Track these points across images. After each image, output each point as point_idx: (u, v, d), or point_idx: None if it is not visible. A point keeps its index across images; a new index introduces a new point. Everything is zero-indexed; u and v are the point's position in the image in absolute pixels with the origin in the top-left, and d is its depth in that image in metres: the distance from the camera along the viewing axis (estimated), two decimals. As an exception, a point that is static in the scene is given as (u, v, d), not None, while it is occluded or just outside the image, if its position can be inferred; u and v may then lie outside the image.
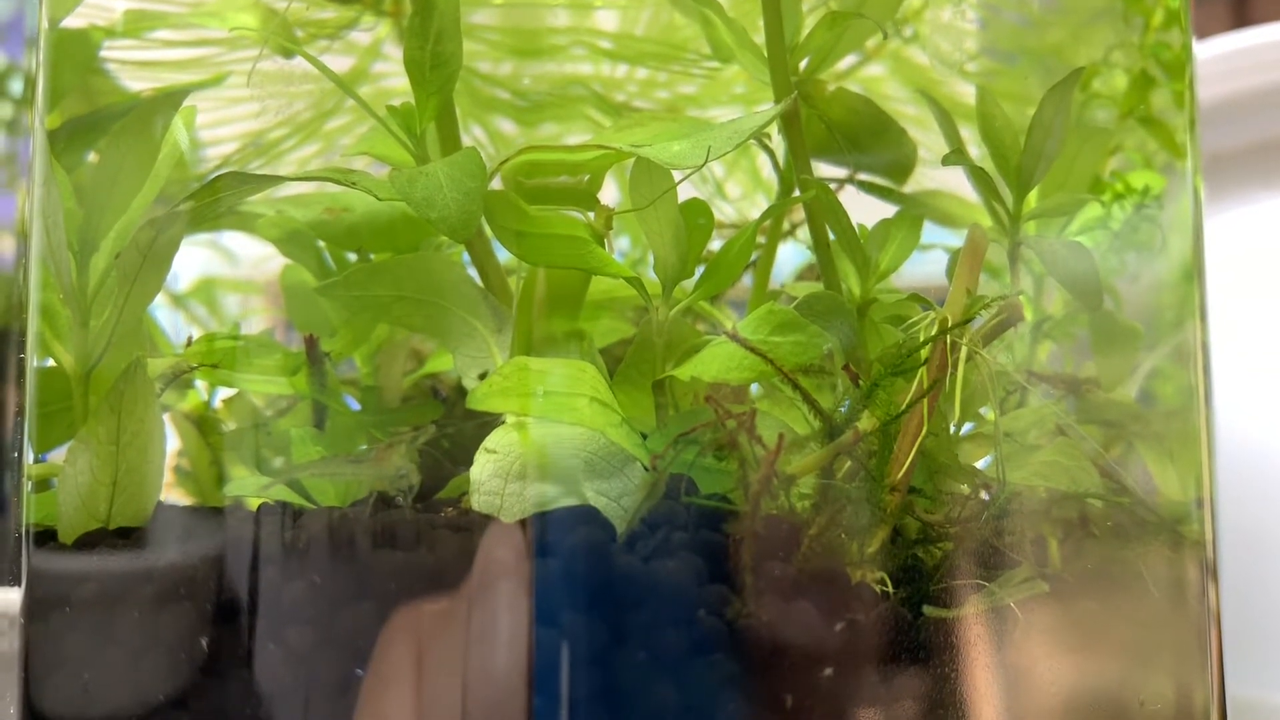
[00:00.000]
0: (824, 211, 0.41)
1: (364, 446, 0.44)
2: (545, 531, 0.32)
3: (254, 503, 0.40)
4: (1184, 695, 0.43)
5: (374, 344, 0.45)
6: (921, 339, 0.38)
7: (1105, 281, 0.44)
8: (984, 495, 0.40)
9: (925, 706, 0.35)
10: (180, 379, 0.42)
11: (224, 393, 0.45)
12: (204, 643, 0.33)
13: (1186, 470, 0.47)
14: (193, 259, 0.64)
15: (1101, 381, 0.43)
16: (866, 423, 0.37)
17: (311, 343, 0.42)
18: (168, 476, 0.46)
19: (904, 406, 0.37)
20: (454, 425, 0.50)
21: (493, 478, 0.36)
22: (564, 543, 0.32)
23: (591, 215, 0.39)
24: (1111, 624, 0.40)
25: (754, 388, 0.44)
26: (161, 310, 0.63)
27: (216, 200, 0.40)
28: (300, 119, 0.60)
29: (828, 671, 0.34)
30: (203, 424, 0.44)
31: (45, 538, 0.36)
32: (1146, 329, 0.45)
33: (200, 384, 0.45)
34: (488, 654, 0.31)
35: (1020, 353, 0.47)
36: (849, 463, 0.37)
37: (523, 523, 0.34)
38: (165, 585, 0.35)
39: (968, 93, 0.62)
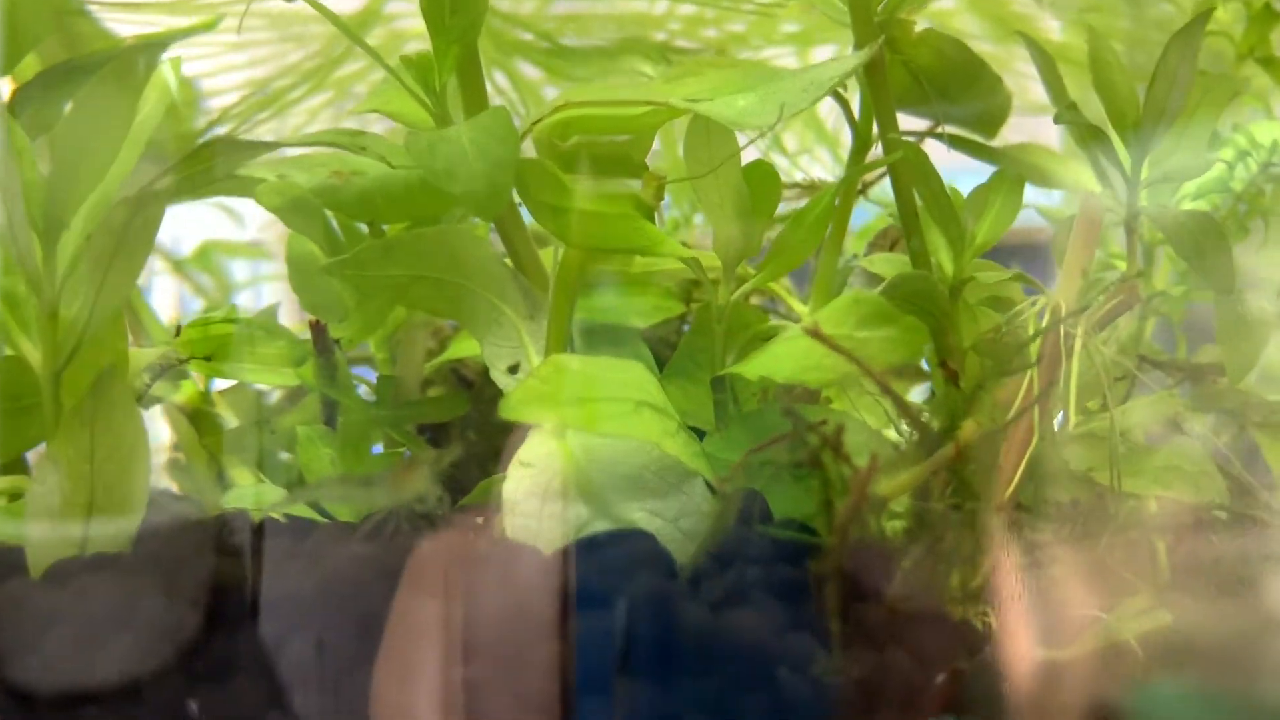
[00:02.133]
0: (912, 174, 0.35)
1: (379, 448, 0.39)
2: (591, 574, 0.27)
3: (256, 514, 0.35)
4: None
5: (390, 327, 0.40)
6: (1031, 330, 0.32)
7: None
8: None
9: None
10: (169, 371, 0.37)
11: (223, 382, 0.40)
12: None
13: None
14: (194, 220, 0.59)
15: (1227, 370, 0.37)
16: (969, 431, 0.31)
17: (319, 329, 0.36)
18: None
19: (1014, 412, 0.31)
20: (481, 417, 0.45)
21: (529, 497, 0.31)
22: (616, 588, 0.27)
23: (638, 184, 0.33)
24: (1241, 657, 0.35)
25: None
26: (160, 278, 0.58)
27: (207, 168, 0.34)
28: (307, 65, 0.54)
29: (928, 731, 0.28)
30: (198, 419, 0.39)
31: (9, 566, 0.31)
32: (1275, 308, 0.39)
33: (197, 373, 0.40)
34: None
35: (1125, 330, 0.41)
36: (945, 478, 0.32)
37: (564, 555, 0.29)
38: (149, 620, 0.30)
39: (1050, 29, 0.55)
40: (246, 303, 0.57)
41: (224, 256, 0.59)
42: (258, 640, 0.31)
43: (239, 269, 0.59)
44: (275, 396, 0.43)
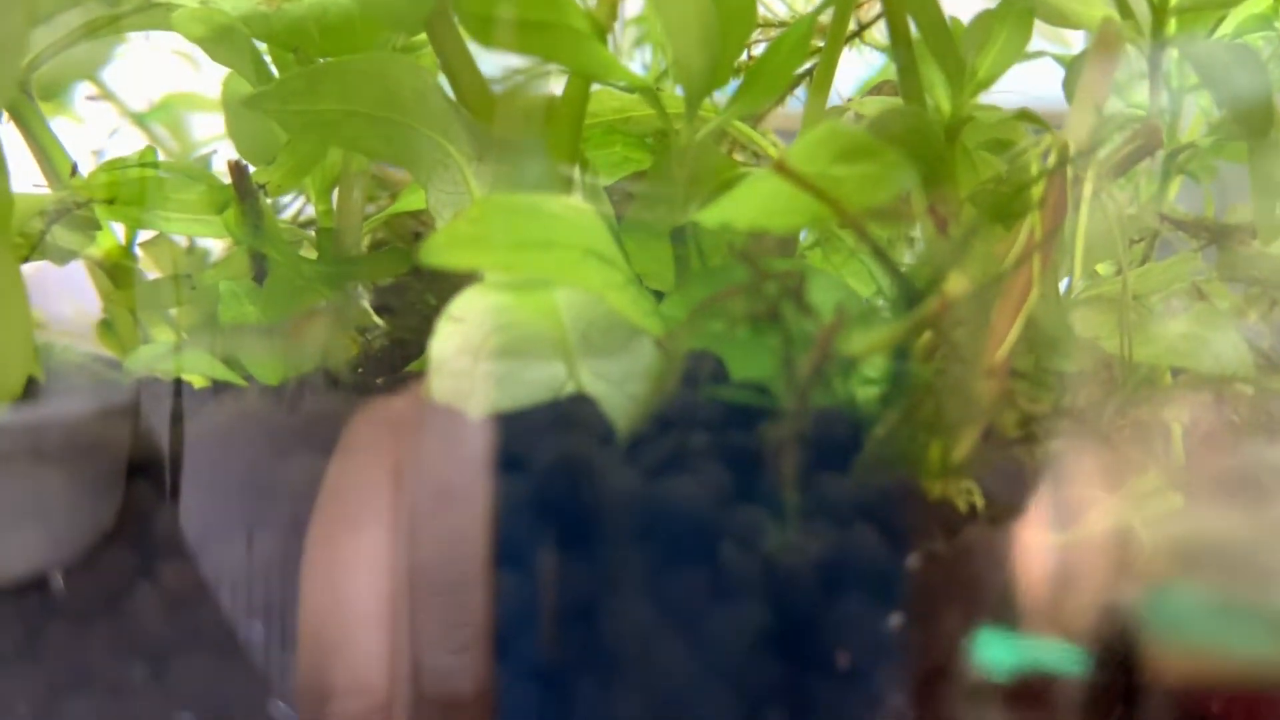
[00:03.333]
0: (906, -1, 0.30)
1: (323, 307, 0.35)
2: (512, 435, 0.24)
3: (191, 377, 0.32)
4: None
5: (328, 175, 0.36)
6: (1034, 172, 0.28)
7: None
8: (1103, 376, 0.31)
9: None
10: (75, 217, 0.33)
11: (146, 234, 0.37)
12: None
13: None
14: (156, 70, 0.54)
15: (1258, 230, 0.33)
16: (956, 284, 0.27)
17: (238, 171, 0.33)
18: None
19: (1010, 261, 0.27)
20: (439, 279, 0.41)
21: (459, 354, 0.27)
22: (540, 451, 0.23)
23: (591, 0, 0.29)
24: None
25: (803, 235, 0.35)
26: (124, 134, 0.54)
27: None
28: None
29: (893, 620, 0.25)
30: (118, 274, 0.35)
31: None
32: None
33: (119, 226, 0.36)
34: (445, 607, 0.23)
35: (1147, 190, 0.37)
36: (929, 339, 0.28)
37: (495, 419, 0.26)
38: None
39: None
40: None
41: (187, 110, 0.55)
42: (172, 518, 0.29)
43: (204, 123, 0.55)
44: (211, 250, 0.39)
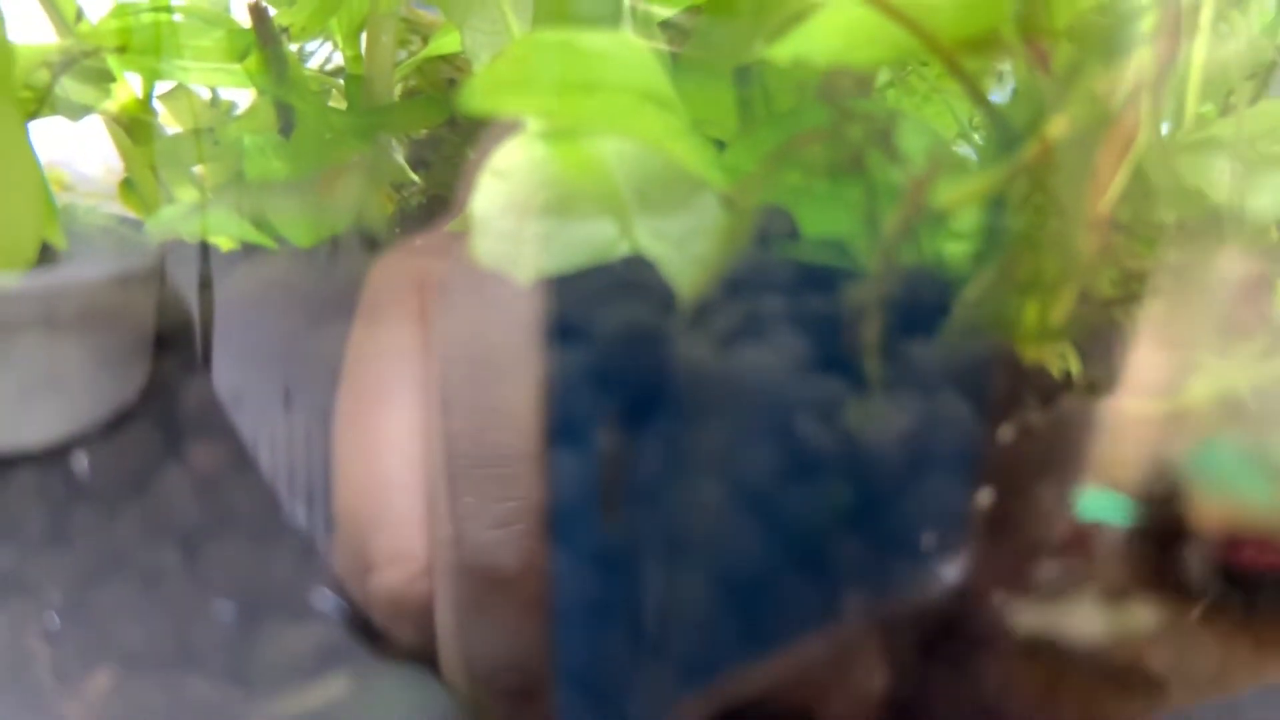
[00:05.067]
0: None
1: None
2: (560, 299, 0.22)
3: (218, 239, 0.30)
4: None
5: (355, 17, 0.33)
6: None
7: None
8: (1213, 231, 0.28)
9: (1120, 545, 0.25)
10: (91, 69, 0.31)
11: (165, 87, 0.34)
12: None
13: None
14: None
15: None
16: (1056, 127, 0.24)
17: (259, 13, 0.30)
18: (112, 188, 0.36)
19: (1119, 101, 0.24)
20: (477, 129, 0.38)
21: (504, 213, 0.25)
22: (593, 318, 0.21)
23: None
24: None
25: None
26: None
27: None
28: None
29: (985, 495, 0.23)
30: (137, 130, 0.33)
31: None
32: None
33: (135, 78, 0.34)
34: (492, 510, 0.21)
35: (1260, 18, 0.33)
36: (1025, 188, 0.25)
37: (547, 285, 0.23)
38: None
39: None
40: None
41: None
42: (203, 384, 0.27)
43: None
44: (237, 103, 0.37)
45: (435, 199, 0.35)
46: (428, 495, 0.24)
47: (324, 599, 0.24)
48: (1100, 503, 0.25)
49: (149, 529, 0.24)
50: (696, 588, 0.22)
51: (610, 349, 0.21)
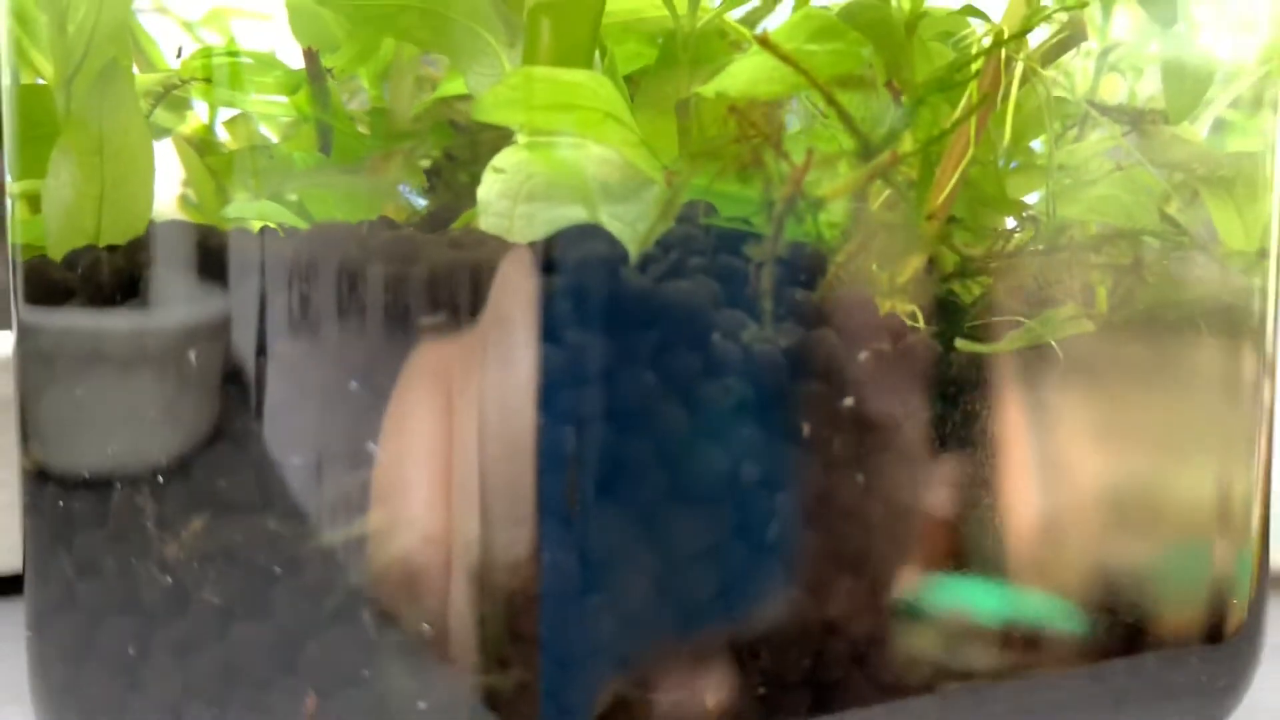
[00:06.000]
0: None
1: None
2: (553, 248, 0.30)
3: (257, 226, 0.38)
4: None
5: (382, 63, 0.42)
6: (974, 52, 0.35)
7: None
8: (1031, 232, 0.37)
9: (948, 441, 0.33)
10: (172, 97, 0.39)
11: (226, 115, 0.43)
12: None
13: (1253, 223, 0.43)
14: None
15: (1169, 112, 0.40)
16: (907, 144, 0.34)
17: (311, 56, 0.39)
18: (172, 204, 0.44)
19: (951, 122, 0.33)
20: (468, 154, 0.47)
21: (501, 198, 0.34)
22: (573, 258, 0.30)
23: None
24: (1154, 368, 0.38)
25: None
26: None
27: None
28: None
29: (847, 402, 0.32)
30: (203, 147, 0.42)
31: (33, 258, 0.34)
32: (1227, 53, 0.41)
33: (202, 108, 0.43)
34: (501, 375, 0.29)
35: (1082, 85, 0.43)
36: (886, 190, 0.34)
37: (532, 245, 0.32)
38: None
39: None
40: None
41: (232, 19, 0.60)
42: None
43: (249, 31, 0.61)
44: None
45: (439, 210, 0.43)
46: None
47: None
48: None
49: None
50: (633, 449, 0.30)
51: (581, 274, 0.30)
